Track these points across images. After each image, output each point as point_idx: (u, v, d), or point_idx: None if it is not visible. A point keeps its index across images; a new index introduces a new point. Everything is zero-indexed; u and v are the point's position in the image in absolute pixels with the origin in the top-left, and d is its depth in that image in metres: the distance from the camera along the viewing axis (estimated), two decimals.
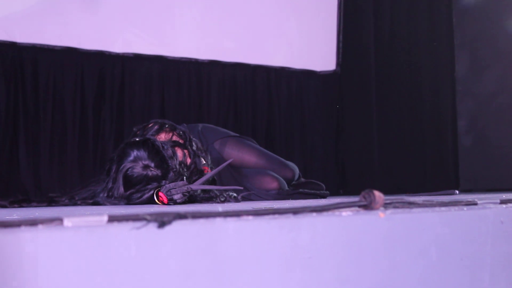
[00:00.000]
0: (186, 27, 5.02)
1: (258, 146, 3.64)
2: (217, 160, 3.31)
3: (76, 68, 4.53)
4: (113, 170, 2.86)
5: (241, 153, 3.41)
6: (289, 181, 3.51)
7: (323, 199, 3.44)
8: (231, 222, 1.10)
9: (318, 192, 3.49)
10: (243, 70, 5.27)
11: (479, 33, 5.33)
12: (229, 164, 3.25)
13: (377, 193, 1.31)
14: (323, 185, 3.76)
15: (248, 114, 5.27)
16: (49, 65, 4.44)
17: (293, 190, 3.42)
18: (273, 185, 3.34)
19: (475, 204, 1.56)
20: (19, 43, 4.33)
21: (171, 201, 2.60)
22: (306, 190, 3.45)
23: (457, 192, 3.61)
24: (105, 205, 2.85)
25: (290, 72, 5.53)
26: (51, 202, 3.02)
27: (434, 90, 5.49)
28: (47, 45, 4.43)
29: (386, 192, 1.43)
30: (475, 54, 5.36)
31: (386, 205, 1.36)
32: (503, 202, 1.61)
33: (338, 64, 5.78)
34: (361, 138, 5.66)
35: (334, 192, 5.51)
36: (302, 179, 3.73)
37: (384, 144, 5.56)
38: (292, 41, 5.55)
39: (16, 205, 2.92)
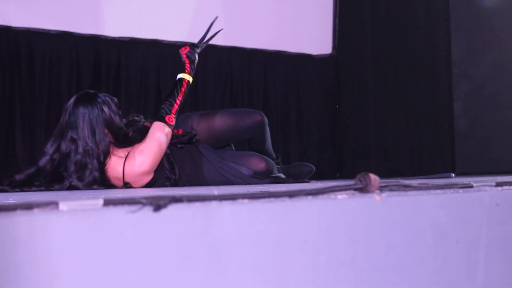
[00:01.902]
0: (182, 10, 5.00)
1: (212, 110, 3.70)
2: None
3: (72, 52, 4.52)
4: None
5: (207, 123, 3.44)
6: (261, 125, 3.51)
7: (318, 183, 3.42)
8: (227, 205, 1.10)
9: (296, 180, 3.42)
10: (239, 54, 5.26)
11: (475, 16, 5.32)
12: (212, 145, 3.40)
13: (372, 176, 1.31)
14: (313, 166, 3.74)
15: (244, 98, 5.26)
16: (45, 49, 4.43)
17: (269, 177, 3.34)
18: (261, 165, 3.31)
19: (471, 186, 1.57)
20: (14, 27, 4.31)
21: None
22: (283, 178, 3.40)
23: (453, 175, 3.61)
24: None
25: (287, 56, 5.51)
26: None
27: (431, 73, 5.48)
28: (43, 29, 4.42)
29: (382, 175, 1.44)
30: (471, 37, 5.35)
31: (381, 188, 1.36)
32: (498, 184, 1.61)
33: (334, 47, 5.77)
34: (357, 122, 5.67)
35: (331, 175, 5.52)
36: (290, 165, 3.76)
37: (380, 127, 5.56)
38: (288, 25, 5.53)
39: (17, 190, 2.92)
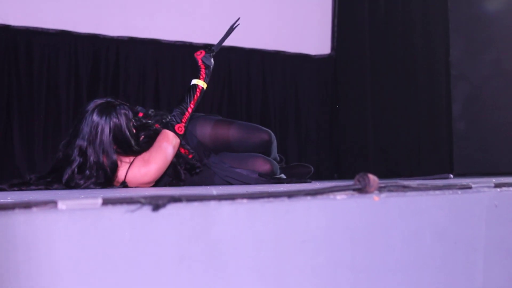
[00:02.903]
0: (180, 10, 4.99)
1: (227, 119, 3.63)
2: (196, 143, 3.32)
3: (70, 51, 4.52)
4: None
5: (214, 130, 3.39)
6: (267, 145, 3.47)
7: (317, 183, 3.42)
8: (226, 205, 1.10)
9: (299, 180, 3.43)
10: (237, 54, 5.26)
11: (474, 17, 5.32)
12: (217, 149, 3.34)
13: (371, 177, 1.31)
14: (311, 167, 3.76)
15: (242, 98, 5.26)
16: (43, 48, 4.43)
17: (274, 178, 3.35)
18: (266, 167, 3.30)
19: (470, 187, 1.56)
20: (13, 26, 4.31)
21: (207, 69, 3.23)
22: (286, 179, 3.41)
23: (452, 176, 3.61)
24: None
25: (285, 56, 5.51)
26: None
27: (429, 74, 5.48)
28: (41, 28, 4.42)
29: (380, 176, 1.43)
30: (470, 38, 5.35)
31: (380, 189, 1.36)
32: (497, 185, 1.61)
33: (333, 48, 5.77)
34: (355, 122, 5.67)
35: (329, 175, 5.52)
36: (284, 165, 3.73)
37: (378, 128, 5.57)
38: (287, 25, 5.53)
39: (16, 189, 2.90)
